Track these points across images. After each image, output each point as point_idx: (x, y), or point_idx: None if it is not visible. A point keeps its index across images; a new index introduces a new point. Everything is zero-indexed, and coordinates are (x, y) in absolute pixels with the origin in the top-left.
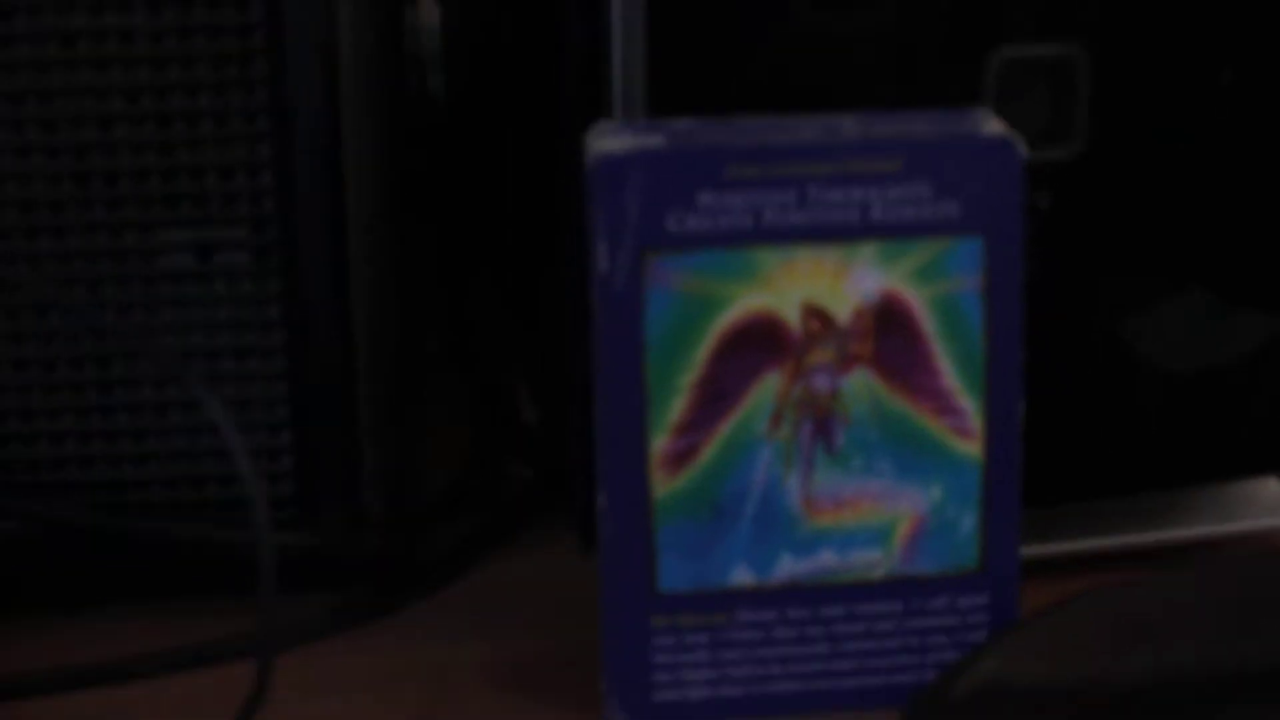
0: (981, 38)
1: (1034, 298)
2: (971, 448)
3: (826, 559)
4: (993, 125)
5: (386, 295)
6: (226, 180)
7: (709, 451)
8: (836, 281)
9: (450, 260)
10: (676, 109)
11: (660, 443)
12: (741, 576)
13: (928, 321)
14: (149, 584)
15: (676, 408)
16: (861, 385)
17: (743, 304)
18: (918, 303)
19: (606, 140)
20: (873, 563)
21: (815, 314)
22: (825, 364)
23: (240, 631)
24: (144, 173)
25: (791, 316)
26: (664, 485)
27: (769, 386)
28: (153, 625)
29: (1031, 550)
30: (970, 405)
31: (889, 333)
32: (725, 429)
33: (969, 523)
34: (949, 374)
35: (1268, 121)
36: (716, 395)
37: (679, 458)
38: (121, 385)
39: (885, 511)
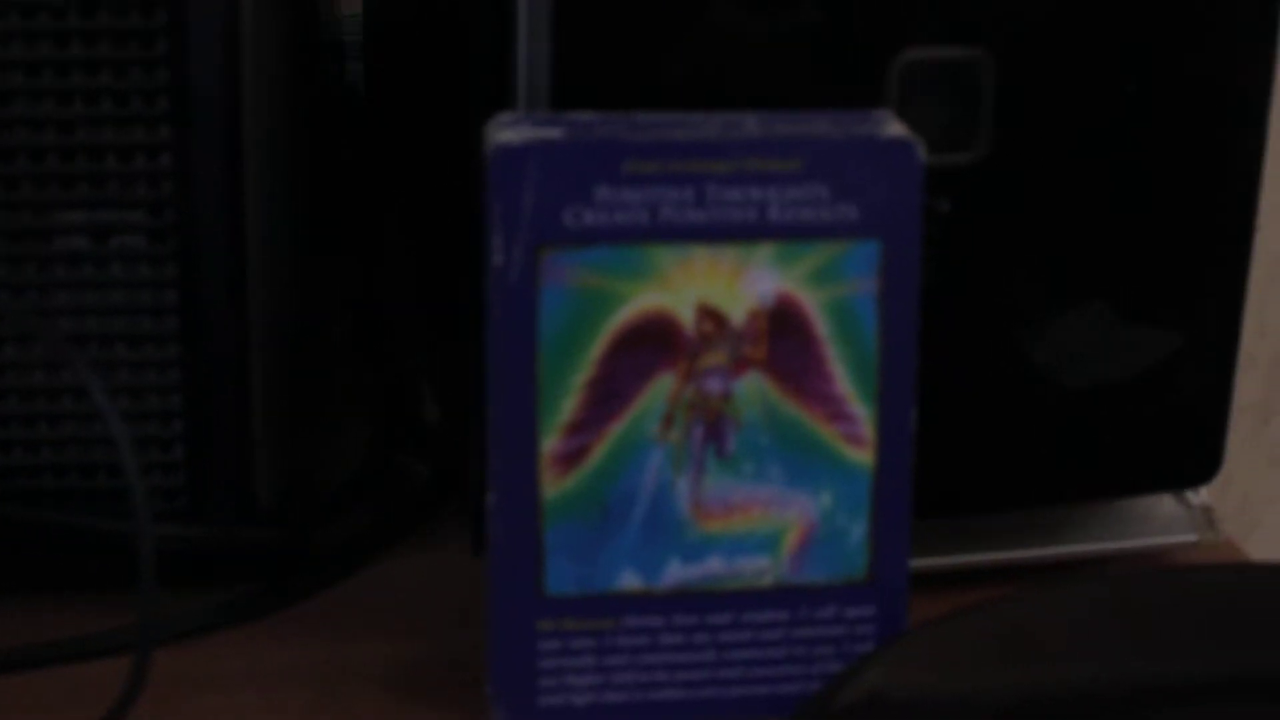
0: (885, 40)
1: (932, 305)
2: (863, 455)
3: (715, 565)
4: (893, 127)
5: (285, 284)
6: (125, 161)
7: (599, 452)
8: (732, 282)
9: (360, 251)
10: (583, 104)
11: (551, 442)
12: (629, 581)
13: (822, 325)
14: (39, 573)
15: (568, 407)
16: (754, 389)
17: (637, 302)
18: (813, 306)
19: (505, 131)
20: (761, 570)
21: (710, 315)
22: (718, 366)
23: (124, 624)
24: (41, 151)
25: (686, 316)
26: (553, 486)
27: (661, 387)
28: (43, 615)
29: (922, 563)
30: (863, 412)
31: (783, 336)
32: (616, 430)
33: (858, 532)
34: (842, 379)
35: (1171, 132)
36: (608, 395)
37: (569, 458)
38: (12, 369)
39: (775, 518)
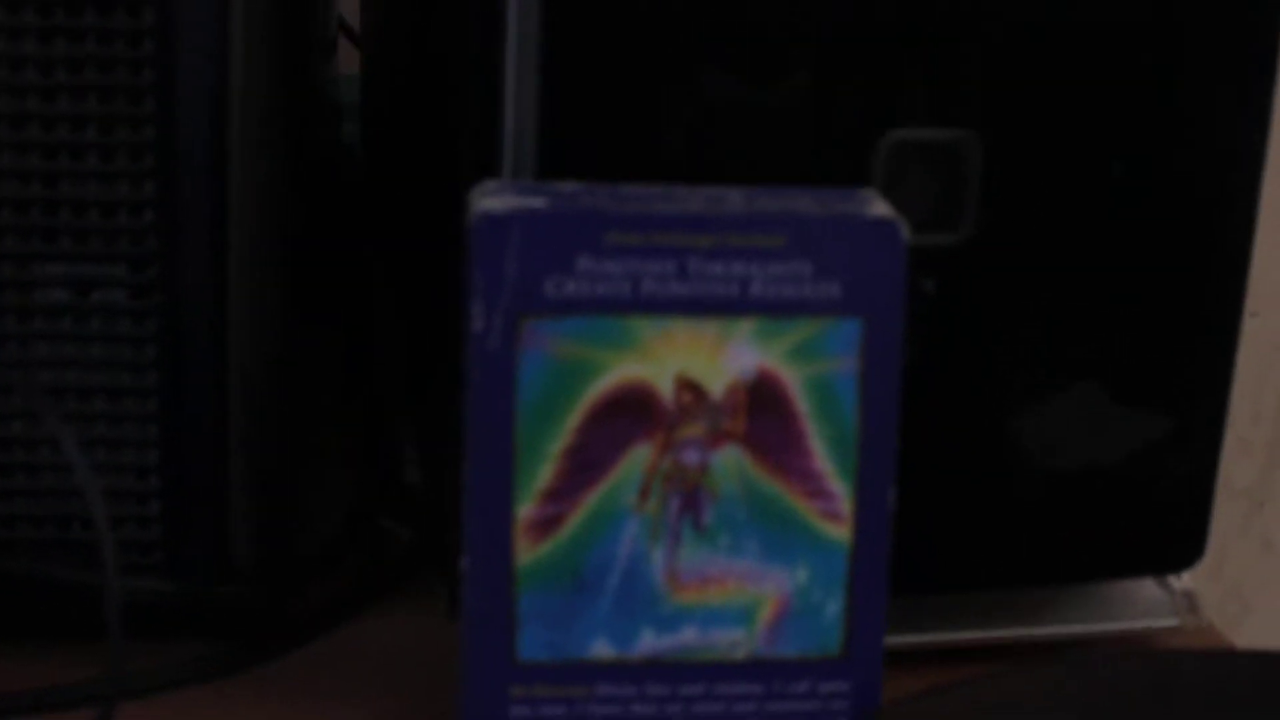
0: (872, 119)
1: (916, 383)
2: (840, 532)
3: (688, 636)
4: (878, 206)
5: (268, 343)
6: (108, 217)
7: (575, 521)
8: (713, 356)
9: (348, 313)
10: (568, 174)
11: (526, 510)
12: (602, 650)
13: (802, 401)
14: (13, 624)
15: (544, 475)
16: (732, 462)
17: (617, 373)
18: (793, 382)
19: (489, 199)
20: (735, 642)
21: (689, 387)
22: (696, 438)
23: (95, 676)
24: (25, 203)
25: (665, 388)
26: (528, 553)
27: (638, 458)
28: (17, 666)
29: (900, 639)
30: (841, 489)
31: (762, 411)
32: (592, 499)
33: (834, 608)
34: (821, 456)
35: (1159, 215)
36: (585, 464)
37: (544, 526)
38: None
39: (750, 591)
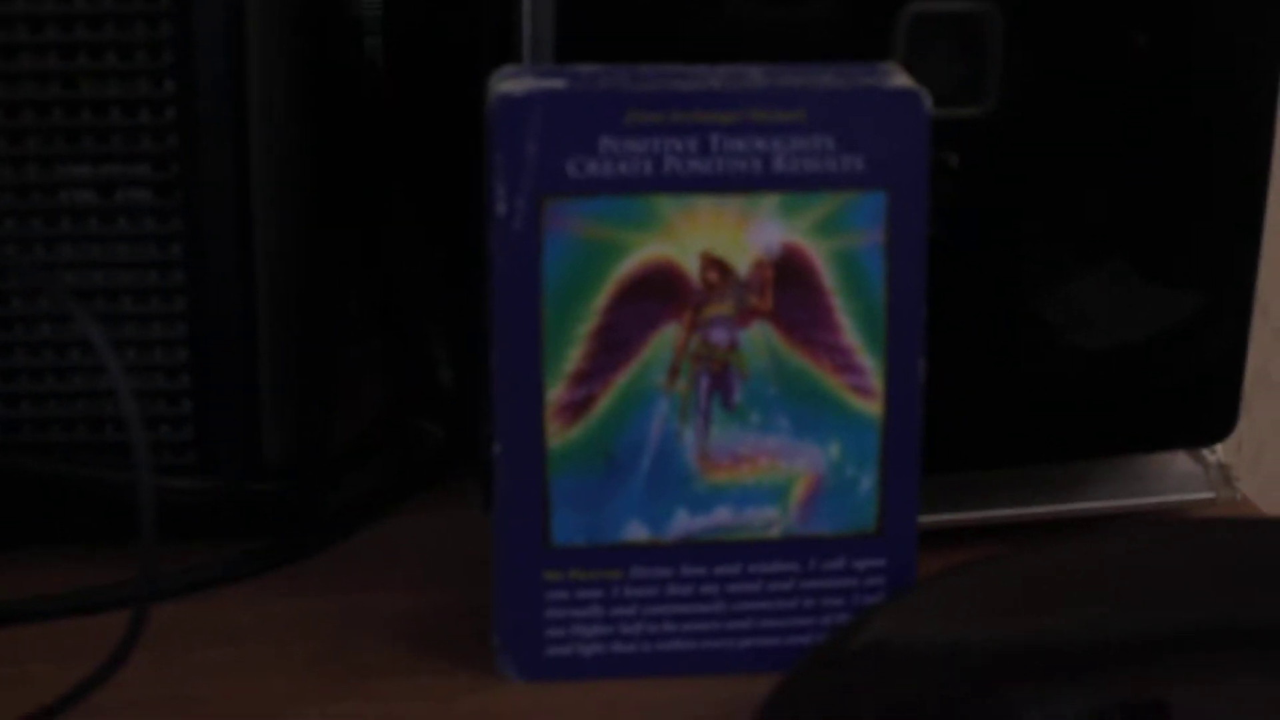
0: None
1: (944, 259)
2: (871, 407)
3: (722, 516)
4: (899, 78)
5: (292, 238)
6: (129, 115)
7: (605, 403)
8: (737, 232)
9: (375, 216)
10: (587, 60)
11: (556, 392)
12: (636, 532)
13: (828, 276)
14: (49, 527)
15: (573, 357)
16: (760, 339)
17: (642, 252)
18: (819, 256)
19: (508, 83)
20: (769, 521)
21: (714, 265)
22: (724, 316)
23: (130, 577)
24: (46, 105)
25: (691, 267)
26: (559, 436)
27: (667, 338)
28: (54, 569)
29: (934, 518)
30: (871, 364)
31: (789, 286)
32: (622, 380)
33: (867, 484)
34: (849, 330)
35: (1182, 87)
36: (614, 345)
37: (574, 408)
38: (19, 322)
39: (782, 469)
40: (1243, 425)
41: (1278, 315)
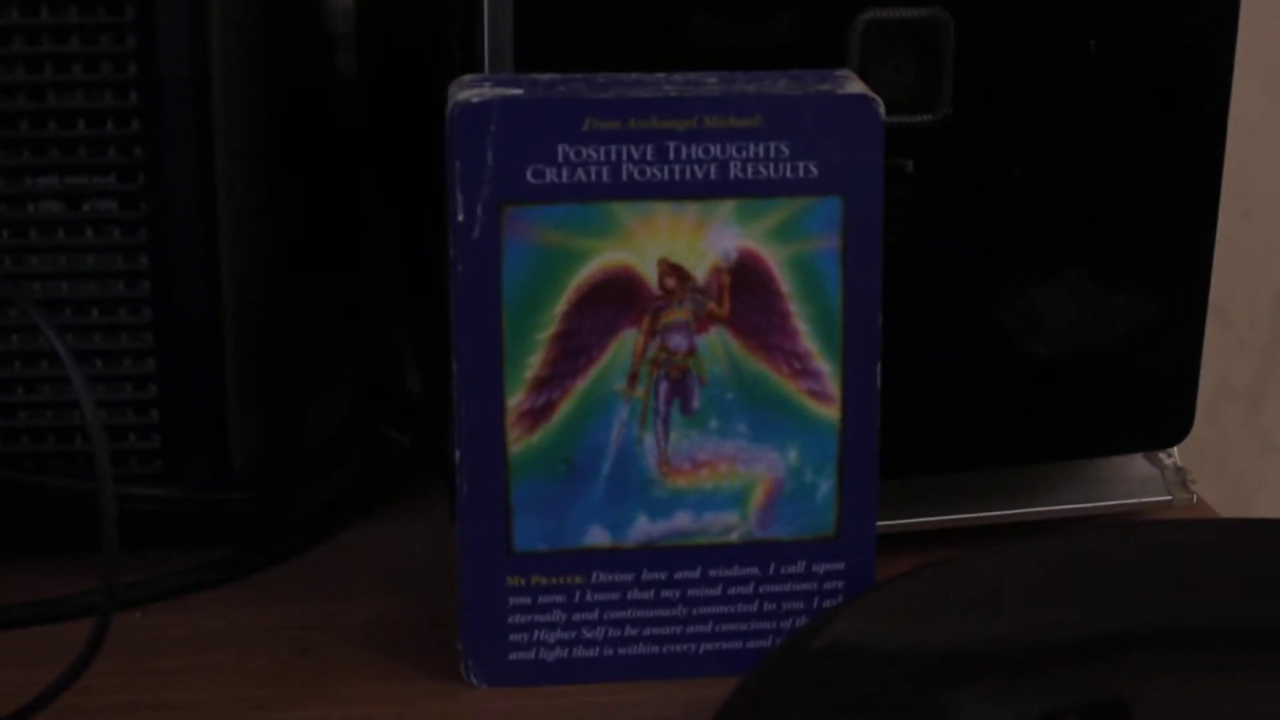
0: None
1: (900, 265)
2: (829, 411)
3: (682, 521)
4: (854, 85)
5: (259, 250)
6: (96, 127)
7: (565, 409)
8: (694, 238)
9: (344, 227)
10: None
11: (516, 399)
12: (597, 537)
13: (785, 281)
14: (18, 536)
15: (533, 363)
16: (718, 344)
17: (601, 259)
18: (775, 262)
19: (467, 91)
20: (729, 526)
21: (672, 270)
22: (682, 322)
23: (90, 588)
24: (13, 116)
25: (649, 273)
26: (519, 442)
27: (626, 343)
28: (23, 578)
29: (893, 522)
30: (828, 368)
31: (746, 292)
32: (582, 385)
33: (826, 488)
34: (806, 335)
35: (1134, 93)
36: (573, 351)
37: (535, 415)
38: None
39: (741, 474)
40: (1207, 433)
41: (1239, 324)
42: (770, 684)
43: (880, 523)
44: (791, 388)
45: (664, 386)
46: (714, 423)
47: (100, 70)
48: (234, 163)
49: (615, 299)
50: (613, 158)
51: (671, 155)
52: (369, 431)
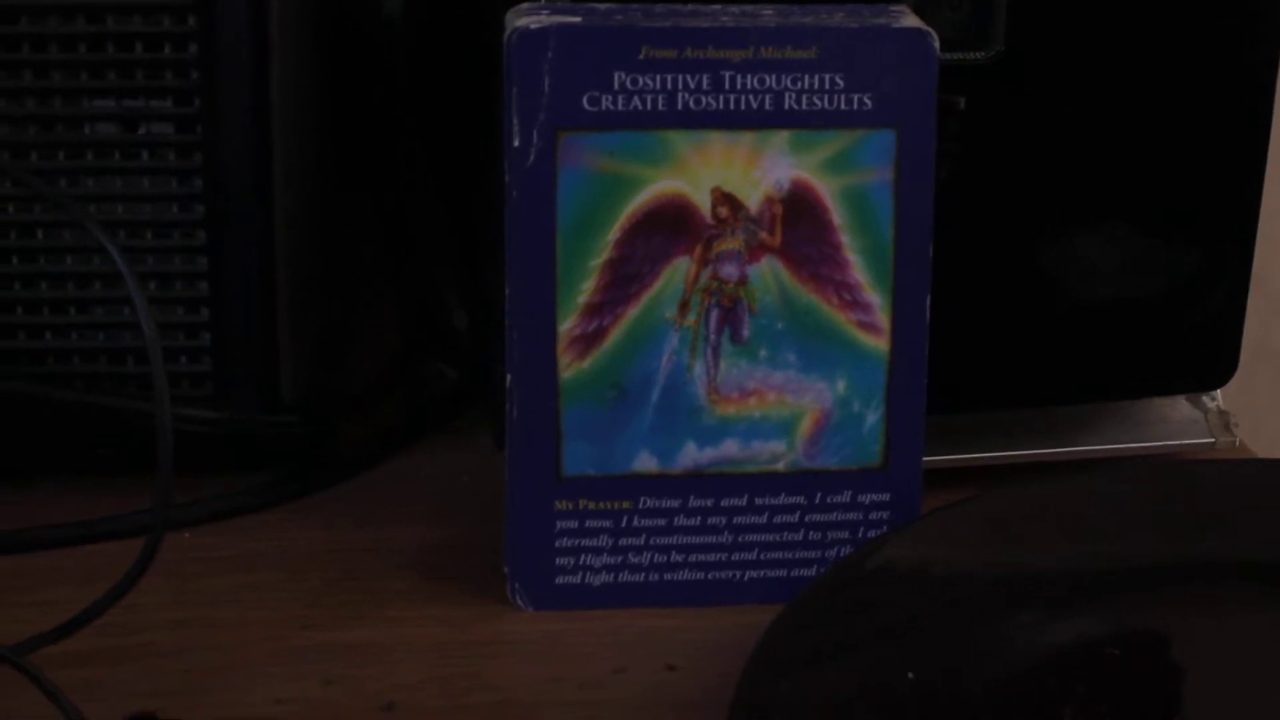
0: None
1: (950, 202)
2: (878, 343)
3: (730, 449)
4: (909, 19)
5: (311, 176)
6: (153, 50)
7: (616, 335)
8: (748, 168)
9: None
10: None
11: (568, 325)
12: (645, 463)
13: (837, 212)
14: (71, 456)
15: (585, 289)
16: (769, 274)
17: (655, 187)
18: (828, 193)
19: (525, 18)
20: (776, 454)
21: (725, 200)
22: (734, 251)
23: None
24: (71, 39)
25: (702, 201)
26: (570, 368)
27: (677, 271)
28: (76, 497)
29: (938, 459)
30: (878, 300)
31: (798, 222)
32: (633, 312)
33: (873, 419)
34: (858, 267)
35: (1186, 32)
36: (625, 278)
37: (586, 340)
38: (44, 254)
39: (790, 403)
40: (1241, 398)
41: (1276, 291)
42: (819, 605)
43: (925, 458)
44: (841, 319)
45: (715, 315)
46: (763, 352)
47: None
48: (289, 88)
49: (668, 227)
50: (668, 86)
51: (727, 85)
52: (416, 365)
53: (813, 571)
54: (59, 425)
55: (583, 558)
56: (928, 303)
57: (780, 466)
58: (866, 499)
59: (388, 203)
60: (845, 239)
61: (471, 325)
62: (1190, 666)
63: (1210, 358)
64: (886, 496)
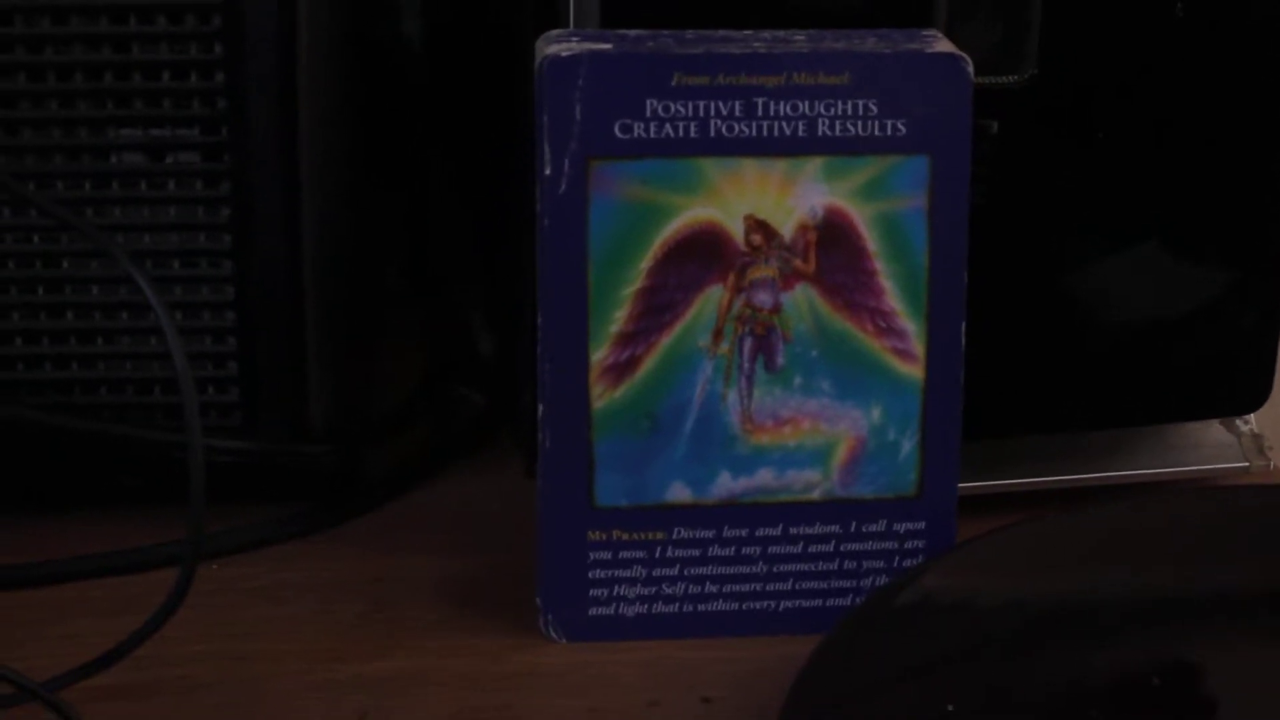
0: None
1: (984, 226)
2: (913, 370)
3: (764, 478)
4: (942, 44)
5: (338, 204)
6: (180, 79)
7: (649, 364)
8: (782, 195)
9: (417, 184)
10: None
11: (600, 354)
12: (679, 493)
13: (871, 239)
14: (98, 487)
15: (618, 318)
16: (803, 302)
17: (687, 214)
18: (862, 220)
19: (556, 45)
20: (811, 483)
21: (759, 227)
22: (767, 279)
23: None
24: (98, 68)
25: (735, 229)
26: (603, 398)
27: (711, 300)
28: (103, 528)
29: (972, 485)
30: (912, 327)
31: (832, 249)
32: (666, 341)
33: (908, 447)
34: (892, 294)
35: (1220, 58)
36: (659, 307)
37: (619, 370)
38: (70, 284)
39: (824, 432)
40: (1276, 422)
41: None
42: (857, 638)
43: (960, 484)
44: (876, 346)
45: (748, 343)
46: (798, 380)
47: (185, 22)
48: (316, 116)
49: (701, 255)
50: (701, 114)
51: (760, 112)
52: (443, 390)
53: (848, 601)
54: (85, 456)
55: (616, 589)
56: (962, 329)
57: (815, 495)
58: (902, 528)
59: (414, 229)
60: (879, 266)
61: (498, 349)
62: (1232, 697)
63: (1243, 381)
64: (922, 525)
